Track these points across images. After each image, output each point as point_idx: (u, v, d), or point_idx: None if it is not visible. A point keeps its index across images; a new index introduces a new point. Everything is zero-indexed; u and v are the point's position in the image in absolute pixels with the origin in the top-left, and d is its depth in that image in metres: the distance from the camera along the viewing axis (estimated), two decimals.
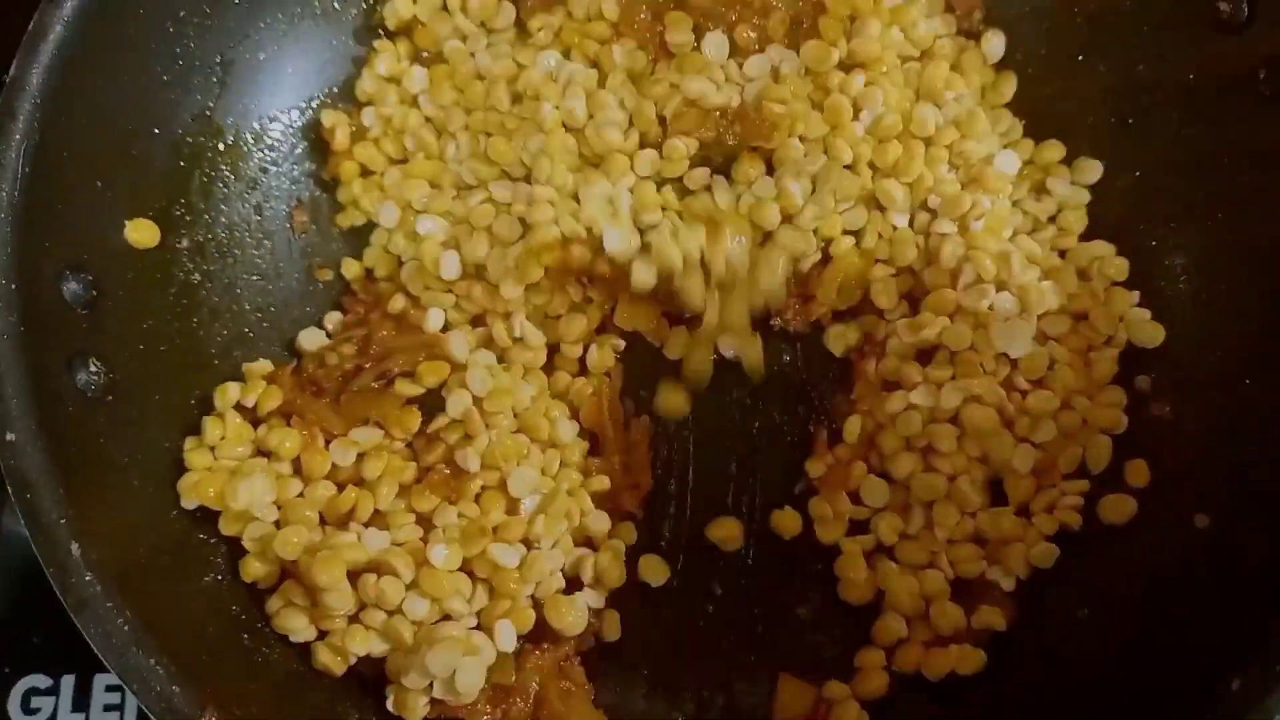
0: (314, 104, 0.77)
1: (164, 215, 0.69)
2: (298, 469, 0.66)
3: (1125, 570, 0.64)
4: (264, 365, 0.70)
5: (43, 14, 0.61)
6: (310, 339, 0.72)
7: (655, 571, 0.68)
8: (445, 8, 0.76)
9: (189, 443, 0.65)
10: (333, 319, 0.74)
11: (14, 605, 0.75)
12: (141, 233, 0.66)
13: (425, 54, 0.76)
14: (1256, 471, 0.62)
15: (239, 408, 0.67)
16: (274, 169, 0.75)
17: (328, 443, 0.66)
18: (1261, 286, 0.66)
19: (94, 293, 0.63)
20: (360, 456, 0.66)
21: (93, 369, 0.61)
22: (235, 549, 0.63)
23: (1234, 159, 0.68)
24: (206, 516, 0.63)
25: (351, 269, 0.75)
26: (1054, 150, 0.73)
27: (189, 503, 0.62)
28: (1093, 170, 0.73)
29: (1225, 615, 0.58)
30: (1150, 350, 0.69)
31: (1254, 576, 0.59)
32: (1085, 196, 0.73)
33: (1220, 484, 0.63)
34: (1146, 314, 0.69)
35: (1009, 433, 0.67)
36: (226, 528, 0.63)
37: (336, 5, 0.76)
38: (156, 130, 0.69)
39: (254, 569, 0.62)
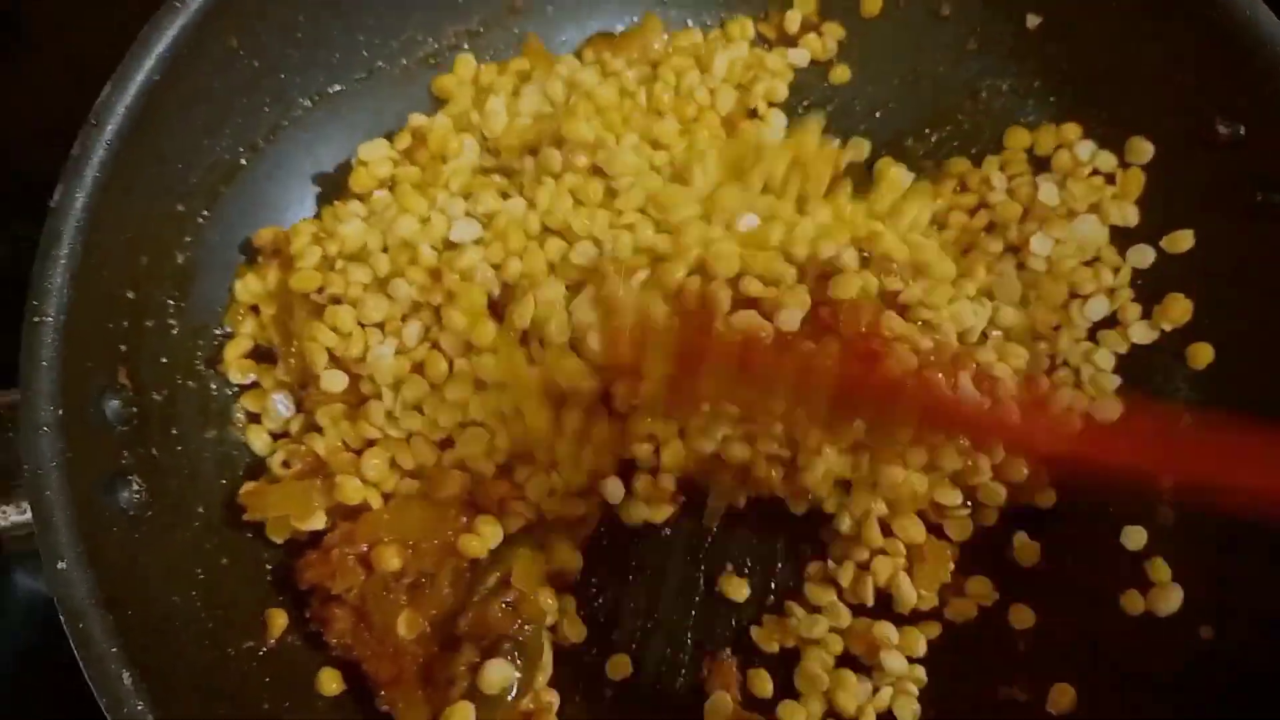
0: None
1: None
2: None
3: (1131, 683, 0.66)
4: None
5: (85, 138, 0.63)
6: None
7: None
8: None
9: None
10: None
11: (23, 658, 0.76)
12: None
13: None
14: (1258, 583, 0.64)
15: None
16: None
17: None
18: (1266, 388, 0.69)
19: (134, 409, 0.64)
20: None
21: (135, 487, 0.62)
22: (285, 668, 0.65)
23: (1232, 264, 0.71)
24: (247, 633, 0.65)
25: None
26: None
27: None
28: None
29: None
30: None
31: (1258, 691, 0.61)
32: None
33: (1222, 594, 0.66)
34: None
35: None
36: None
37: None
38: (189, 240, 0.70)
39: None
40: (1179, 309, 0.73)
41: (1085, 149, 0.77)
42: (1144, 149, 0.75)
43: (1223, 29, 0.68)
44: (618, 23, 0.84)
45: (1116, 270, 0.75)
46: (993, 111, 0.81)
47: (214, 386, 0.71)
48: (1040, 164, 0.78)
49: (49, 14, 0.89)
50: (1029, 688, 0.68)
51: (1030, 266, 0.76)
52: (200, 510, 0.67)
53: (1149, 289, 0.75)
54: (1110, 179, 0.76)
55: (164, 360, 0.68)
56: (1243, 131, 0.70)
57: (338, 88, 0.76)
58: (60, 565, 0.55)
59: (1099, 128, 0.77)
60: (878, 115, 0.83)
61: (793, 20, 0.83)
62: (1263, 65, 0.67)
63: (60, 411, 0.58)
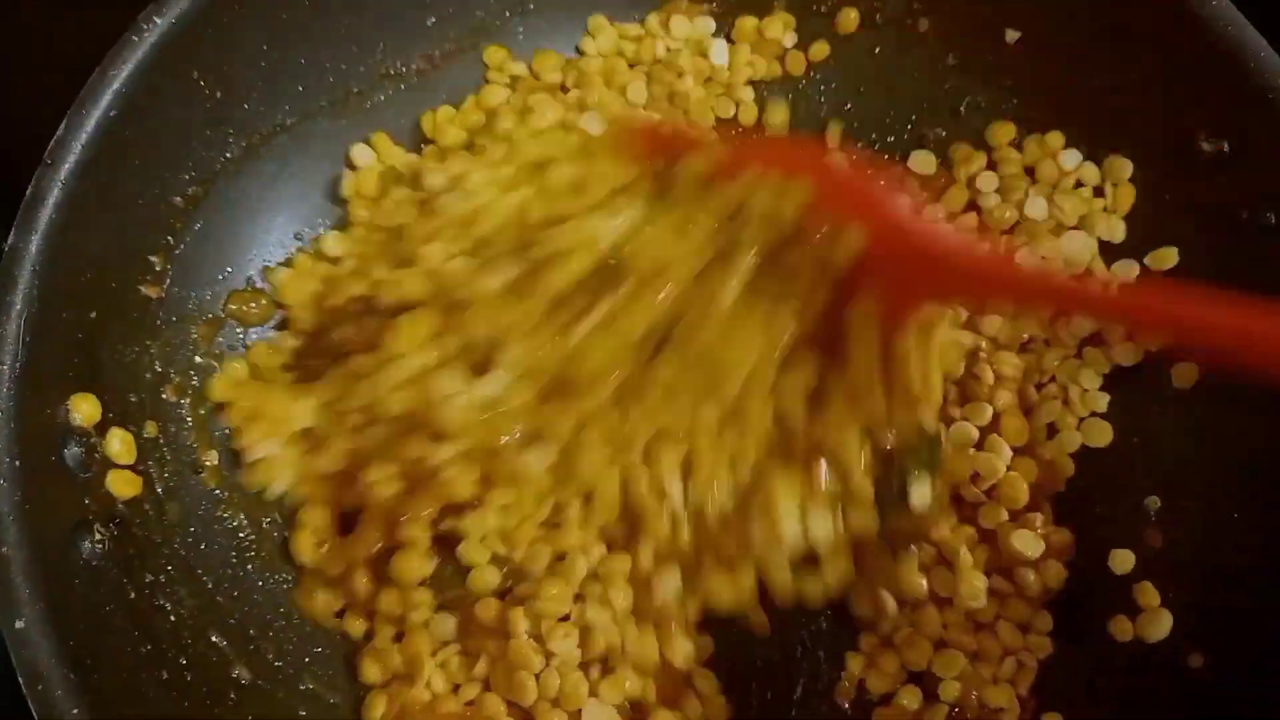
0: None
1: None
2: None
3: (1120, 713, 0.65)
4: None
5: (39, 178, 0.61)
6: None
7: None
8: None
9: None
10: None
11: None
12: None
13: None
14: (1247, 612, 0.63)
15: None
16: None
17: None
18: (1251, 412, 0.68)
19: (95, 455, 0.63)
20: None
21: (97, 536, 0.61)
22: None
23: (1217, 282, 0.69)
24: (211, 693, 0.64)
25: None
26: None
27: None
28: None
29: None
30: (1152, 472, 0.71)
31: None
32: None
33: (1212, 622, 0.65)
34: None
35: None
36: None
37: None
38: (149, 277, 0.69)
39: None
40: None
41: (1070, 158, 0.76)
42: (1123, 166, 0.74)
43: (1206, 45, 0.66)
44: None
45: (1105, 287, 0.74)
46: (972, 127, 0.79)
47: (179, 429, 0.69)
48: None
49: (13, 33, 0.87)
50: (1017, 717, 0.67)
51: None
52: (165, 555, 0.65)
53: None
54: (1099, 191, 0.75)
55: (131, 401, 0.66)
56: (1227, 148, 0.68)
57: (303, 117, 0.75)
58: (19, 625, 0.54)
59: (1080, 145, 0.76)
60: (855, 129, 0.81)
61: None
62: (1247, 82, 0.65)
63: (17, 463, 0.56)
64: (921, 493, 0.64)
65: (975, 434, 0.70)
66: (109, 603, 0.60)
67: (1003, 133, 0.78)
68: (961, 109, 0.80)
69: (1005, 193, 0.76)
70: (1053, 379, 0.73)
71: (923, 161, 0.79)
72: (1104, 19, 0.72)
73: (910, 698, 0.67)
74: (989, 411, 0.70)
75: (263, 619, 0.68)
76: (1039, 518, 0.70)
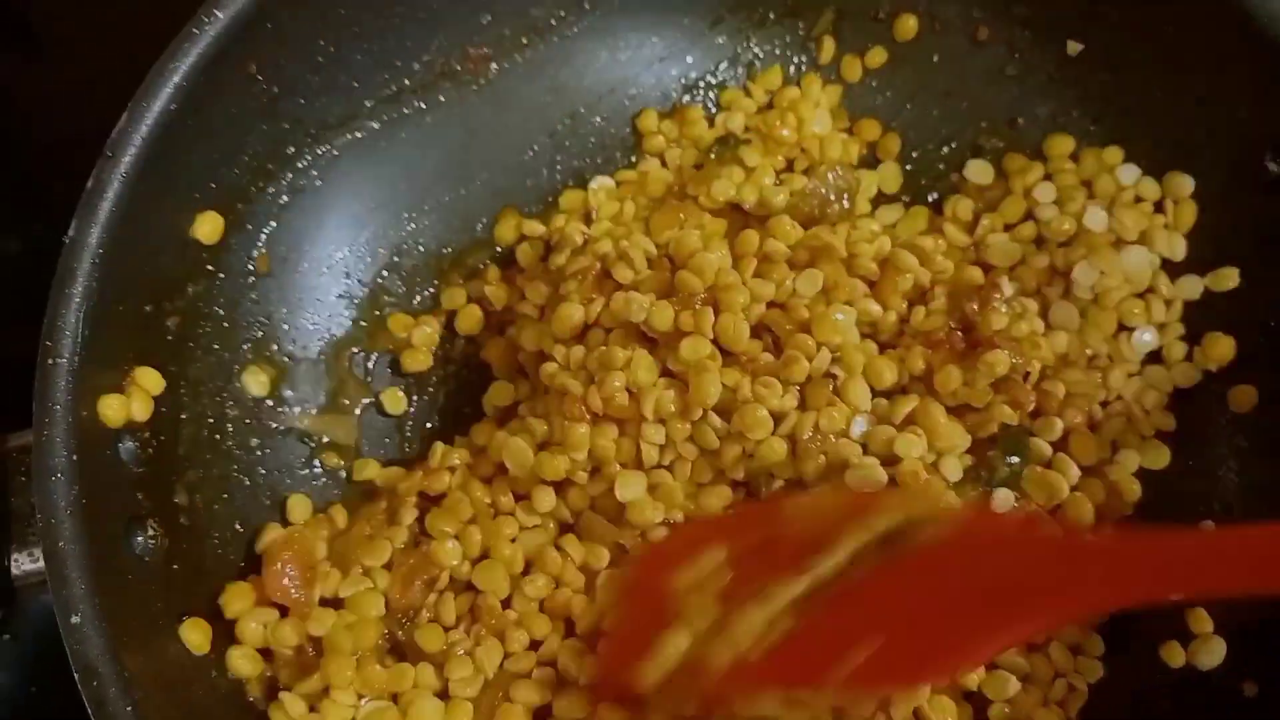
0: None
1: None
2: None
3: None
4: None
5: (100, 170, 0.61)
6: None
7: None
8: None
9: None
10: None
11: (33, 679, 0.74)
12: None
13: None
14: None
15: None
16: None
17: None
18: None
19: (150, 450, 0.63)
20: None
21: (150, 531, 0.61)
22: None
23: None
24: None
25: None
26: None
27: None
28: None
29: None
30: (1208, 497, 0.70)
31: None
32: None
33: (1266, 651, 0.64)
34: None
35: None
36: None
37: None
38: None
39: None
40: (1221, 349, 0.71)
41: (1128, 173, 0.75)
42: (1184, 184, 0.73)
43: (1275, 64, 0.66)
44: (646, 43, 0.81)
45: (1169, 304, 0.73)
46: (1030, 139, 0.78)
47: (231, 425, 0.69)
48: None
49: (66, 23, 0.88)
50: None
51: (1076, 295, 0.73)
52: (218, 553, 0.65)
53: (1192, 328, 0.73)
54: (1159, 207, 0.74)
55: (182, 396, 0.66)
56: None
57: (355, 112, 0.74)
58: (74, 619, 0.54)
59: (1141, 160, 0.74)
60: (910, 137, 0.81)
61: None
62: None
63: (74, 456, 0.56)
64: (1005, 498, 0.65)
65: (1049, 451, 0.68)
66: (160, 599, 0.60)
67: (1061, 145, 0.77)
68: (1020, 120, 0.79)
69: (1063, 204, 0.75)
70: (1119, 397, 0.72)
71: (979, 171, 0.79)
72: (1170, 34, 0.71)
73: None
74: (1059, 427, 0.69)
75: None
76: None
